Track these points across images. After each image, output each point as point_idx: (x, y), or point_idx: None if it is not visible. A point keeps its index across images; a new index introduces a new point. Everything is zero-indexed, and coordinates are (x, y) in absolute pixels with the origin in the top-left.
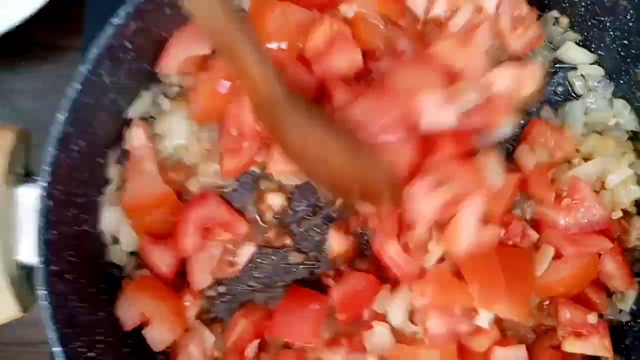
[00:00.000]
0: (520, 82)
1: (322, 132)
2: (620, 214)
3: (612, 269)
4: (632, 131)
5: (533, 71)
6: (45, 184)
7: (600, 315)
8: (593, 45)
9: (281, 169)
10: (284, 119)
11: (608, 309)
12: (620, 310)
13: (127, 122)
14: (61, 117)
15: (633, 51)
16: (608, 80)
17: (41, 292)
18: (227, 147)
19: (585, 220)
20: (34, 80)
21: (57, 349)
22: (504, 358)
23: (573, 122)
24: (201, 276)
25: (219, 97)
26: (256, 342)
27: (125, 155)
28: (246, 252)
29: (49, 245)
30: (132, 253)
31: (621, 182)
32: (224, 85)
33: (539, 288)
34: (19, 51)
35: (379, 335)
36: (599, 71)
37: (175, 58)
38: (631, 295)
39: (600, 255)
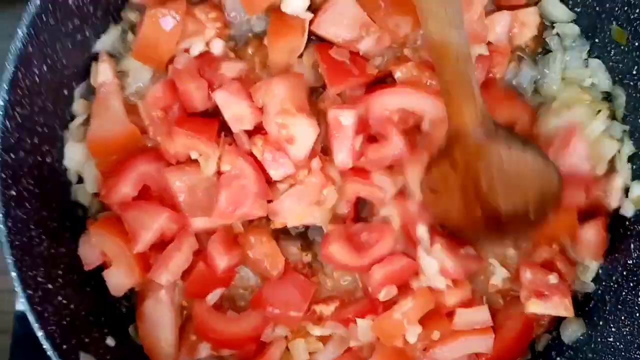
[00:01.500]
0: (517, 27)
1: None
2: (603, 170)
3: (592, 236)
4: (606, 92)
5: (529, 18)
6: (3, 103)
7: None
8: (570, 2)
9: None
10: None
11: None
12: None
13: (95, 57)
14: (20, 32)
15: (607, 5)
16: (584, 39)
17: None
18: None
19: (570, 166)
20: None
21: (13, 274)
22: (467, 318)
23: (551, 71)
24: None
25: (161, 35)
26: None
27: (91, 91)
28: None
29: (6, 168)
30: (97, 194)
31: (602, 134)
32: (168, 23)
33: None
34: None
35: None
36: (575, 30)
37: None
38: (594, 267)
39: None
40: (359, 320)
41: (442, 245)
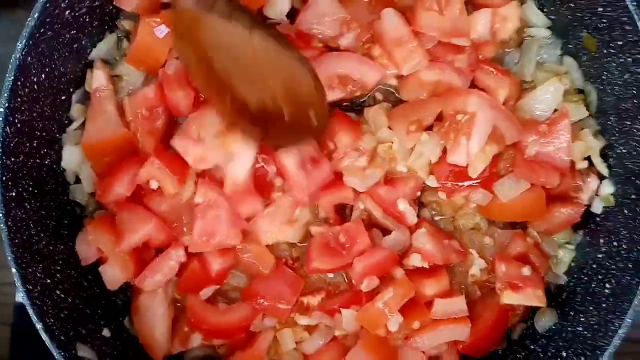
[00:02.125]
0: (499, 23)
1: (249, 30)
2: (586, 164)
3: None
4: (578, 90)
5: (510, 12)
6: (3, 110)
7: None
8: (545, 9)
9: None
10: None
11: (548, 274)
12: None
13: (91, 64)
14: (20, 44)
15: (578, 14)
16: (556, 38)
17: (0, 214)
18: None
19: (551, 152)
20: (4, 25)
21: (13, 270)
22: (445, 308)
23: (527, 59)
24: None
25: (155, 42)
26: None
27: (87, 96)
28: None
29: (6, 171)
30: (94, 194)
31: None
32: (162, 31)
33: (484, 209)
34: None
35: (346, 319)
36: (547, 34)
37: None
38: (566, 260)
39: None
40: (343, 311)
41: (426, 231)
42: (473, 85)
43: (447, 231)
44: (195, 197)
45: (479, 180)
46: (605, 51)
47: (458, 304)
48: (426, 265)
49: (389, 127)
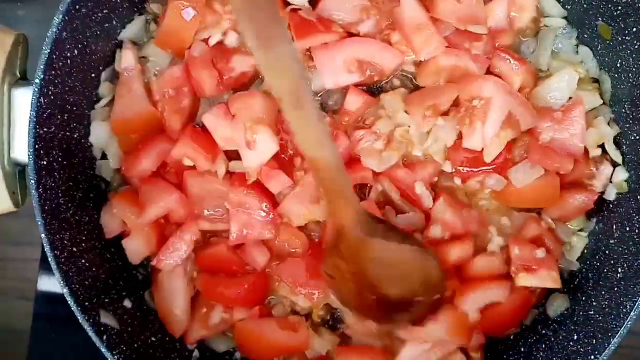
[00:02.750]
0: (515, 12)
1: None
2: (599, 151)
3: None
4: (593, 79)
5: (526, 1)
6: (38, 81)
7: None
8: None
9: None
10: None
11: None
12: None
13: (120, 44)
14: (56, 19)
15: (593, 3)
16: (572, 27)
17: (32, 181)
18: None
19: (564, 139)
20: (37, 9)
21: (43, 235)
22: (484, 264)
23: (543, 49)
24: None
25: (182, 25)
26: None
27: (116, 75)
28: None
29: (39, 140)
30: (119, 170)
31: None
32: (189, 13)
33: (498, 195)
34: None
35: None
36: (562, 23)
37: None
38: (579, 246)
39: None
40: None
41: (445, 201)
42: (489, 72)
43: (465, 203)
44: (229, 201)
45: (493, 166)
46: (620, 39)
47: (497, 262)
48: (446, 237)
49: (406, 112)
